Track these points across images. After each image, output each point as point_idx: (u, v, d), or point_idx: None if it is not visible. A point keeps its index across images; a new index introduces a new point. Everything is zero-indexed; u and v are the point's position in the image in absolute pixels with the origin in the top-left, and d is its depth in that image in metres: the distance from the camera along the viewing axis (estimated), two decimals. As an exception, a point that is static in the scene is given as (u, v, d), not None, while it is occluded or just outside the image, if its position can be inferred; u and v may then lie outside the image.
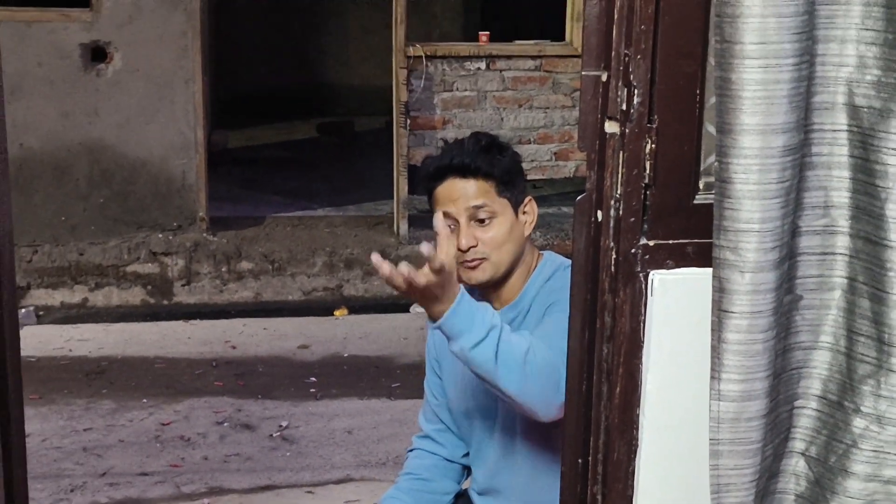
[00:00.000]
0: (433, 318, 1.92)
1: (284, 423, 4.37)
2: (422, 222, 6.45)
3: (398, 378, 4.87)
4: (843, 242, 1.44)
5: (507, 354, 1.88)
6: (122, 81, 6.01)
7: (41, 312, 5.74)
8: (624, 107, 1.46)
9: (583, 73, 1.50)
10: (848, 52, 1.38)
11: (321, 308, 5.94)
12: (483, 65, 6.42)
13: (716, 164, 1.35)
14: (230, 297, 6.05)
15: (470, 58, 6.43)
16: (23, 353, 5.17)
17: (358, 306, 5.97)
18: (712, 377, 1.40)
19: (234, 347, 5.27)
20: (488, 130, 6.48)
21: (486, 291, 2.21)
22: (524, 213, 2.21)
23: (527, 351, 1.91)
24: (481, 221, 2.13)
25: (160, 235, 6.14)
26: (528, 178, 6.65)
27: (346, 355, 5.17)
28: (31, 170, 6.01)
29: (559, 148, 6.61)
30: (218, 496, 3.76)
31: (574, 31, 6.50)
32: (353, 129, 9.50)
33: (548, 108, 6.54)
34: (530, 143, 6.56)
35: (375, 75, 9.78)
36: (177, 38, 6.03)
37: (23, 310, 5.68)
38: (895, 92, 1.34)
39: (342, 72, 10.37)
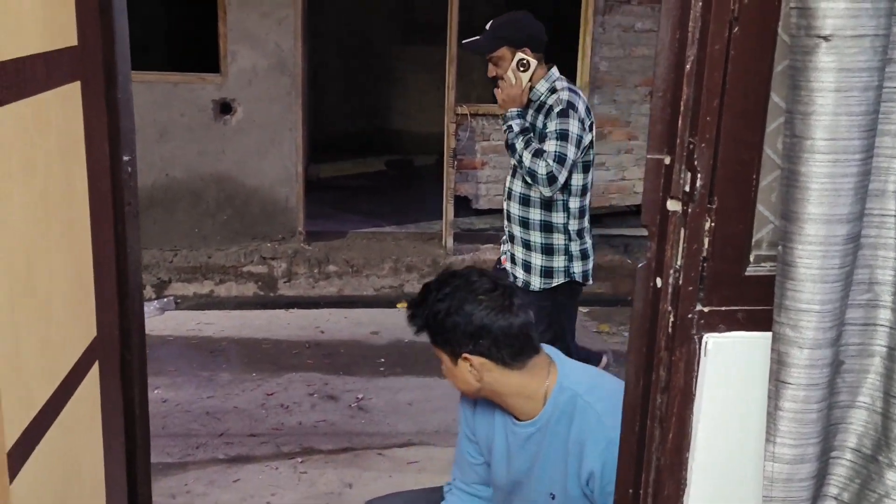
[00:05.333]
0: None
1: (360, 395, 4.10)
2: (463, 239, 6.18)
3: (446, 360, 4.59)
4: (885, 315, 1.14)
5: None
6: (243, 129, 5.77)
7: (179, 300, 5.51)
8: (687, 188, 1.17)
9: (648, 155, 1.22)
10: (902, 146, 1.08)
11: (387, 301, 5.66)
12: (513, 121, 6.11)
13: (780, 248, 1.06)
14: (320, 292, 5.79)
15: (503, 115, 6.11)
16: (163, 332, 4.89)
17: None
18: (767, 440, 1.11)
19: (322, 332, 5.01)
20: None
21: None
22: (465, 360, 1.71)
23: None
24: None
25: (268, 244, 5.89)
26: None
27: (406, 340, 4.88)
28: (174, 193, 5.79)
29: (569, 184, 6.29)
30: (309, 455, 3.50)
31: (582, 97, 6.17)
32: (412, 165, 9.21)
33: (561, 154, 6.23)
34: (547, 180, 6.25)
35: (429, 124, 9.51)
36: (284, 96, 5.78)
37: (165, 299, 5.45)
38: (946, 184, 1.05)
39: (404, 121, 10.10)
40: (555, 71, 3.17)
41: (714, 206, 1.17)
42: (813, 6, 0.99)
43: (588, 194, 3.18)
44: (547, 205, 3.11)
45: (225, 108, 5.76)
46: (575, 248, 3.15)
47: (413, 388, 4.21)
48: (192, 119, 5.72)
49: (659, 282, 1.23)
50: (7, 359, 0.95)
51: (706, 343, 1.21)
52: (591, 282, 3.27)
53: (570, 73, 6.21)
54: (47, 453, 1.07)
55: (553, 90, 3.10)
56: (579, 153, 3.03)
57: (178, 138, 5.72)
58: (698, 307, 1.21)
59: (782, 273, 1.06)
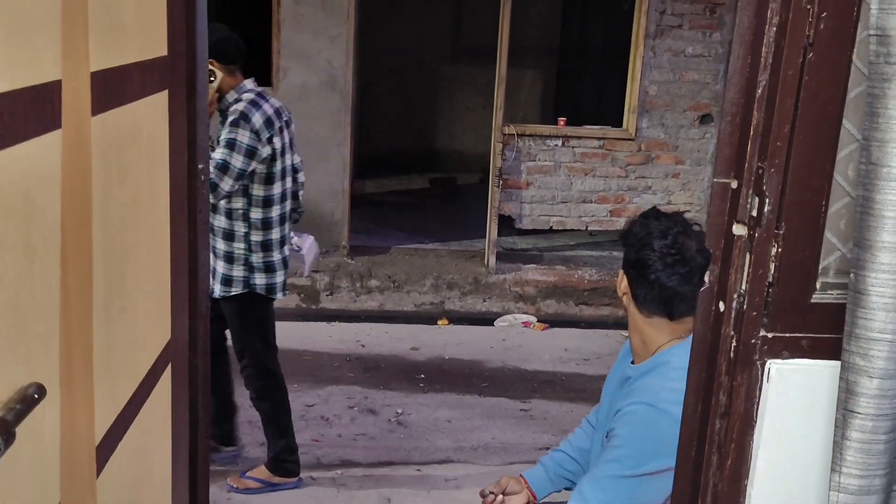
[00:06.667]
0: None
1: (400, 411, 4.11)
2: (505, 257, 6.18)
3: (486, 379, 4.58)
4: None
5: None
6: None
7: (223, 310, 5.58)
8: (754, 213, 1.17)
9: (714, 179, 1.22)
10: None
11: (428, 318, 5.68)
12: (559, 142, 6.12)
13: (852, 276, 1.06)
14: (361, 306, 5.83)
15: (550, 137, 6.14)
16: (208, 342, 4.84)
17: (455, 318, 5.70)
18: (833, 470, 1.10)
19: (363, 346, 5.03)
20: (560, 192, 6.20)
21: None
22: (622, 274, 1.93)
23: None
24: None
25: (312, 257, 5.95)
26: (589, 229, 6.37)
27: (446, 357, 4.90)
28: (222, 204, 5.88)
29: (613, 207, 6.27)
30: (348, 468, 3.51)
31: (629, 120, 6.16)
32: (455, 183, 9.25)
33: (607, 177, 6.21)
34: (592, 202, 6.24)
35: (473, 143, 9.56)
36: (333, 112, 5.86)
37: (210, 307, 5.53)
38: None
39: (448, 139, 10.16)
40: (246, 83, 3.17)
41: (781, 232, 1.16)
42: (892, 34, 0.99)
43: (276, 206, 3.17)
44: (228, 213, 3.14)
45: (275, 121, 5.85)
46: (257, 259, 3.16)
47: (452, 406, 4.21)
48: (243, 131, 5.81)
49: (722, 306, 1.22)
50: (101, 355, 0.98)
51: (769, 369, 1.20)
52: (279, 295, 3.26)
53: (619, 96, 6.22)
54: (127, 451, 1.10)
55: (238, 101, 3.11)
56: (255, 164, 3.04)
57: (229, 150, 5.81)
58: (762, 333, 1.20)
59: (854, 301, 1.05)
